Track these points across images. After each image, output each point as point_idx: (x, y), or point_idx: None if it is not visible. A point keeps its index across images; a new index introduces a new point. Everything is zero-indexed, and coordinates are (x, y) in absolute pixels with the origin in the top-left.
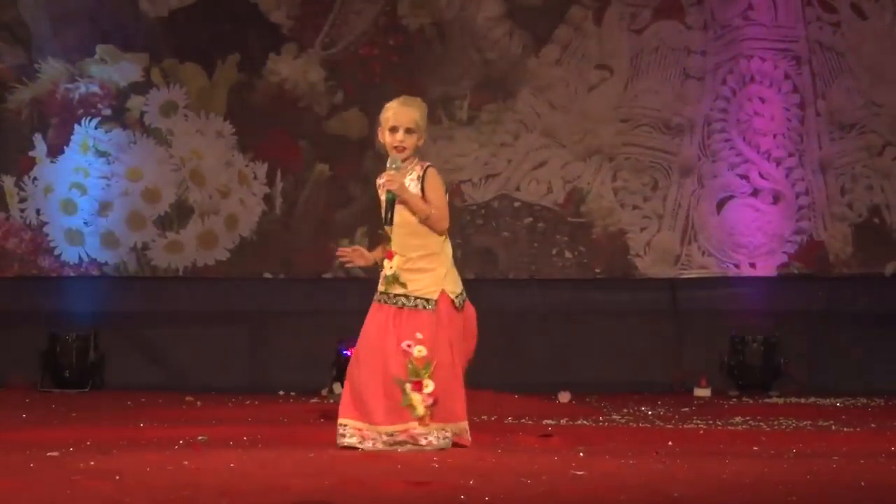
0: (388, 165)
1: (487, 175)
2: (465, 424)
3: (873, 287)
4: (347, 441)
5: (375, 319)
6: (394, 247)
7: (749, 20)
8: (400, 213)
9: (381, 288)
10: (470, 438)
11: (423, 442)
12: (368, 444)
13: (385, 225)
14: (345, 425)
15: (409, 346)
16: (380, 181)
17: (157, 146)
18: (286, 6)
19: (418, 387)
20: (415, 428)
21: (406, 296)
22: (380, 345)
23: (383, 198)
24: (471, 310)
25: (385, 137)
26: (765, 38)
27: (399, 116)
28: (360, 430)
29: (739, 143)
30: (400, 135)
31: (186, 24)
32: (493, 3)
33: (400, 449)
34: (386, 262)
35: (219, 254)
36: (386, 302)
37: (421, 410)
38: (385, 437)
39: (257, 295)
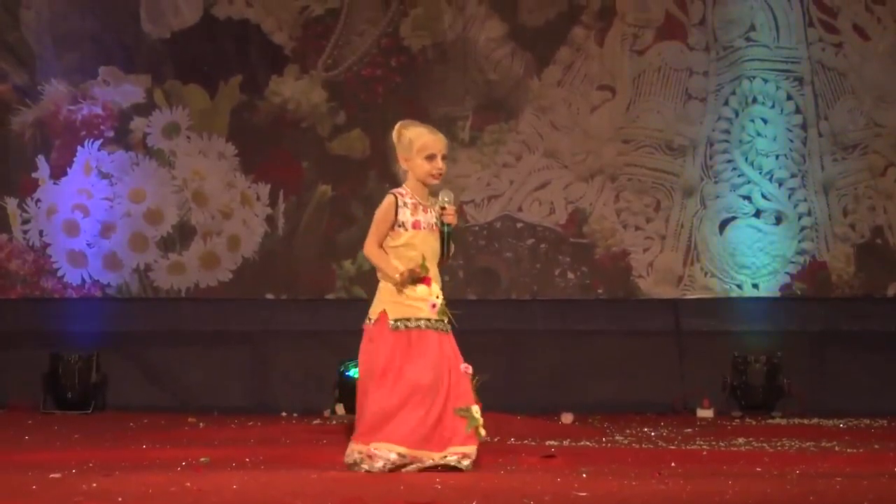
0: (444, 200)
1: (490, 196)
2: None
3: (876, 308)
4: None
5: (433, 348)
6: (432, 275)
7: (751, 41)
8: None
9: (431, 315)
10: None
11: (466, 463)
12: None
13: (444, 258)
14: (402, 454)
15: (466, 368)
16: (406, 201)
17: (159, 167)
18: (288, 27)
19: (480, 405)
20: (468, 451)
21: (449, 321)
22: (443, 374)
23: (405, 223)
24: None
25: (417, 163)
26: (767, 59)
27: (436, 144)
28: (417, 457)
29: (742, 164)
30: (439, 162)
31: (188, 46)
32: (496, 25)
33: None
34: (423, 289)
35: (221, 275)
36: (439, 329)
37: (483, 431)
38: (436, 461)
39: (260, 316)
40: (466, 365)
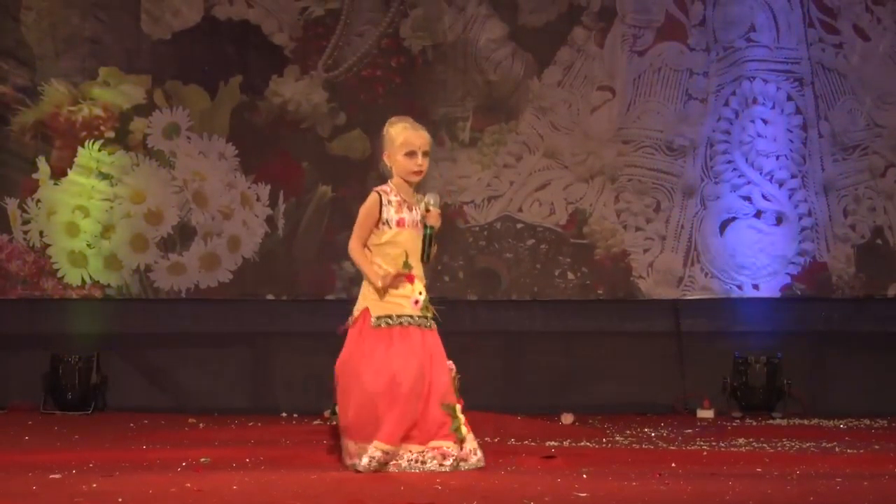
0: (429, 202)
1: (490, 196)
2: None
3: (876, 308)
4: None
5: (416, 344)
6: (416, 272)
7: (751, 42)
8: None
9: (414, 312)
10: None
11: (448, 461)
12: (393, 462)
13: (424, 260)
14: (388, 452)
15: (450, 364)
16: (390, 199)
17: (159, 168)
18: (289, 28)
19: (462, 403)
20: (449, 447)
21: (434, 318)
22: (426, 370)
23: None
24: None
25: (398, 160)
26: (767, 59)
27: (416, 140)
28: (387, 453)
29: (742, 165)
30: (420, 159)
31: (189, 47)
32: (496, 25)
33: (426, 466)
34: (409, 287)
35: (221, 275)
36: (423, 326)
37: (465, 429)
38: (415, 455)
39: (260, 316)
40: (450, 361)
